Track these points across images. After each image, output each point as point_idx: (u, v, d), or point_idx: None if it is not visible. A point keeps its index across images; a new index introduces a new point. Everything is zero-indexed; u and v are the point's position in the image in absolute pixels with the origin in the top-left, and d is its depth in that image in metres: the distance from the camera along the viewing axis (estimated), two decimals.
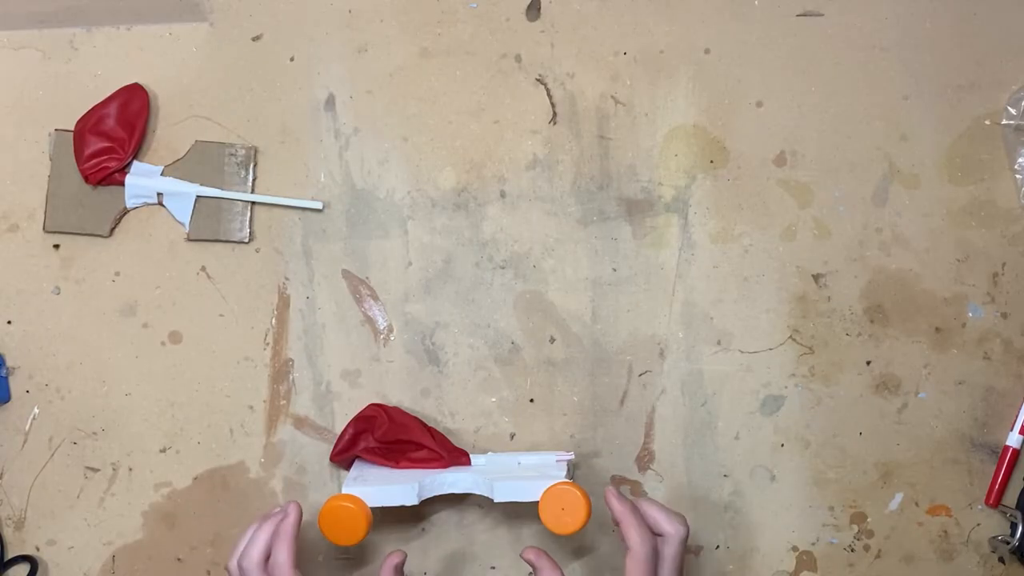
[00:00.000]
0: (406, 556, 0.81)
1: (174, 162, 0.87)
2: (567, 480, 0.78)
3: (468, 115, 0.88)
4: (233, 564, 0.77)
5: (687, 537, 0.77)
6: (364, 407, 0.86)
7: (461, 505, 0.87)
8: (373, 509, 0.79)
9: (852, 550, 0.86)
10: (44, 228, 0.88)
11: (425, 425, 0.85)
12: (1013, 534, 0.84)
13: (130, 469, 0.87)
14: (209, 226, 0.87)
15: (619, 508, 0.76)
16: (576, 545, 0.87)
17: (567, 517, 0.77)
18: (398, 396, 0.87)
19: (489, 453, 0.85)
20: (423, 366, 0.87)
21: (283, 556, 0.75)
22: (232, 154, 0.87)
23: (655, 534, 0.77)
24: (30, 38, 0.89)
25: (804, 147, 0.87)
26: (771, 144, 0.87)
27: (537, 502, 0.78)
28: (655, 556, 0.76)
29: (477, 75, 0.88)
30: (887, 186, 0.87)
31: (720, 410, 0.86)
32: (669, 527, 0.77)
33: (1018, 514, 0.84)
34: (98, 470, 0.87)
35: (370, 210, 0.87)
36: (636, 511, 0.77)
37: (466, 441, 0.87)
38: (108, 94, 0.87)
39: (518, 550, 0.86)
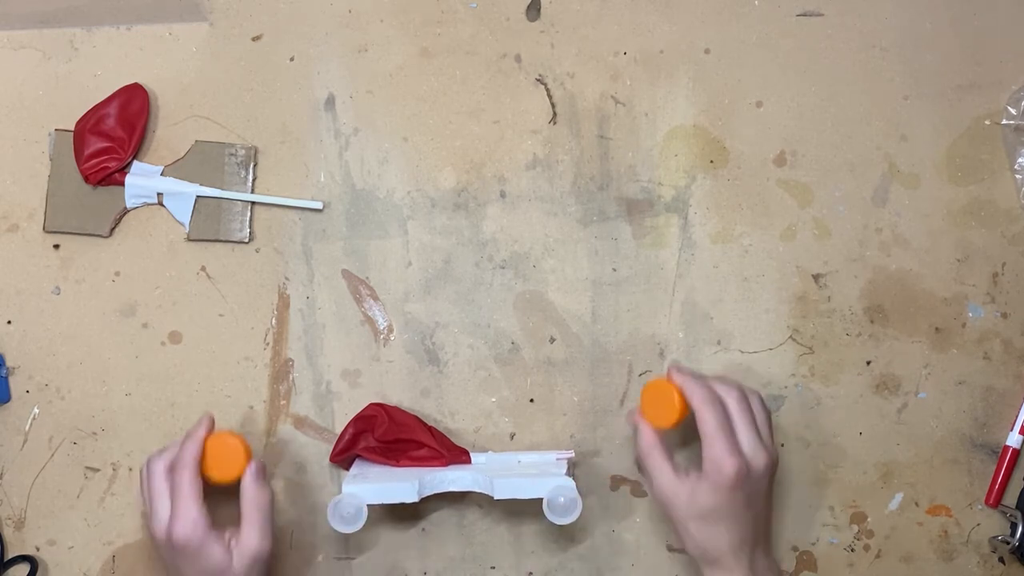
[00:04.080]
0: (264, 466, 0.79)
1: (174, 162, 0.87)
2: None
3: (468, 115, 0.88)
4: (143, 466, 0.79)
5: (744, 391, 0.77)
6: (364, 407, 0.86)
7: (461, 505, 0.87)
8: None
9: (852, 550, 0.86)
10: (44, 228, 0.88)
11: (425, 424, 0.85)
12: (1013, 534, 0.84)
13: (130, 469, 0.87)
14: (209, 226, 0.87)
15: (681, 378, 0.77)
16: (576, 544, 0.87)
17: (663, 410, 0.77)
18: (398, 396, 0.87)
19: (489, 452, 0.85)
20: (423, 366, 0.87)
21: (188, 454, 0.77)
22: (232, 154, 0.87)
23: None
24: (30, 38, 0.89)
25: (804, 147, 0.87)
26: (771, 144, 0.87)
27: (535, 499, 0.78)
28: (725, 414, 0.75)
29: (477, 75, 0.88)
30: (887, 186, 0.87)
31: None
32: (724, 388, 0.77)
33: (1018, 514, 0.84)
34: (98, 470, 0.87)
35: (370, 210, 0.88)
36: (700, 379, 0.77)
37: (466, 441, 0.87)
38: (108, 94, 0.87)
39: (518, 550, 0.87)
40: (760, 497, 0.76)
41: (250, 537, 0.76)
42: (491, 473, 0.80)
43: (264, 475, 0.79)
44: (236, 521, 0.77)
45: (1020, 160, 0.86)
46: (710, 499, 0.74)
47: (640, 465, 0.78)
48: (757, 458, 0.75)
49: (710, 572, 0.76)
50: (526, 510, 0.85)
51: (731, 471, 0.73)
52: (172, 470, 0.77)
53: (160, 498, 0.76)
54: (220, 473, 0.78)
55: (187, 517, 0.75)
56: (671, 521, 0.77)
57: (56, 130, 0.88)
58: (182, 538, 0.74)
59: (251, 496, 0.77)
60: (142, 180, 0.87)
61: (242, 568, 0.75)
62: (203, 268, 0.88)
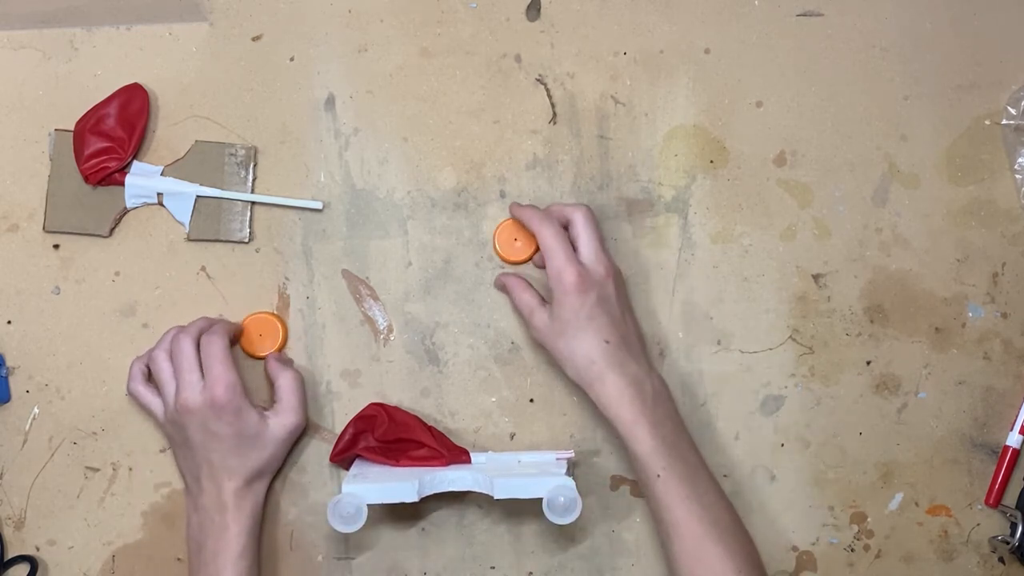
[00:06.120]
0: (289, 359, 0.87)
1: (174, 162, 0.87)
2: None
3: (468, 115, 0.88)
4: (159, 352, 0.83)
5: (589, 212, 0.82)
6: (364, 407, 0.85)
7: (461, 505, 0.87)
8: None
9: (852, 550, 0.86)
10: (44, 228, 0.88)
11: (425, 424, 0.85)
12: (1013, 534, 0.84)
13: (130, 469, 0.87)
14: (209, 226, 0.87)
15: (519, 211, 0.83)
16: (577, 544, 0.87)
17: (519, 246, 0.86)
18: (398, 396, 0.87)
19: (489, 452, 0.85)
20: (423, 366, 0.87)
21: (220, 325, 0.83)
22: (232, 154, 0.87)
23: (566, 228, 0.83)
24: (30, 38, 0.89)
25: (804, 147, 0.87)
26: (771, 144, 0.87)
27: (535, 499, 0.78)
28: (560, 233, 0.81)
29: (477, 75, 0.88)
30: (887, 186, 0.87)
31: (720, 410, 0.86)
32: (568, 210, 0.82)
33: (1018, 514, 0.84)
34: (98, 470, 0.87)
35: (370, 210, 0.88)
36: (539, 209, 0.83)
37: (466, 441, 0.87)
38: (108, 94, 0.87)
39: (518, 550, 0.87)
40: (611, 303, 0.80)
41: (287, 414, 0.83)
42: (491, 473, 0.80)
43: (286, 359, 0.87)
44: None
45: (1020, 160, 0.86)
46: (564, 311, 0.79)
47: (517, 311, 0.84)
48: (597, 265, 0.80)
49: (591, 390, 0.80)
50: (526, 510, 0.85)
51: (572, 278, 0.79)
52: (204, 340, 0.81)
53: (190, 369, 0.80)
54: (251, 347, 0.86)
55: (226, 380, 0.80)
56: (551, 354, 0.82)
57: (56, 130, 0.88)
58: (222, 400, 0.79)
59: (282, 379, 0.84)
60: (142, 180, 0.87)
61: (281, 436, 0.82)
62: (203, 268, 0.88)
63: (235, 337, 0.85)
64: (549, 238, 0.80)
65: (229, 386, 0.79)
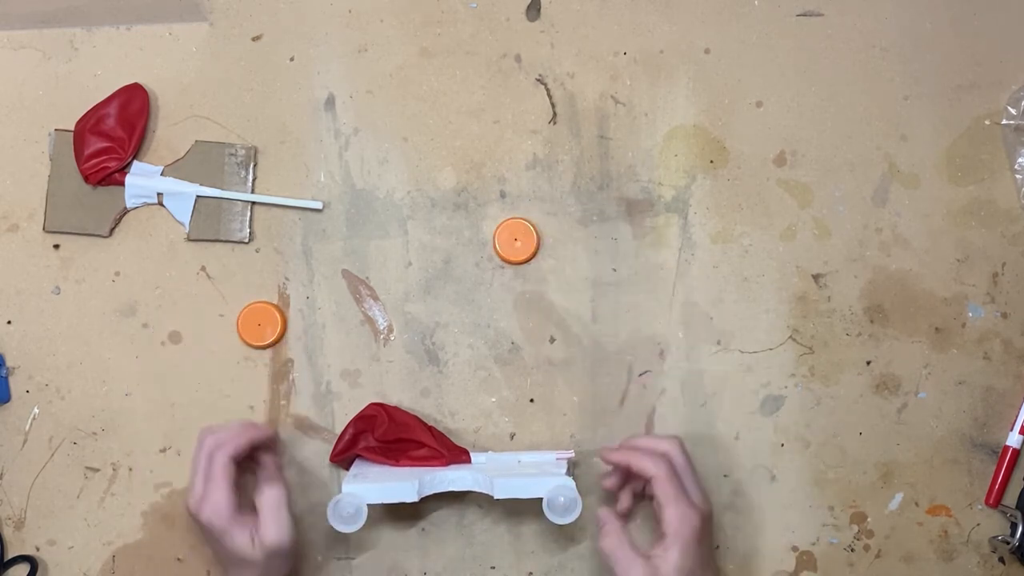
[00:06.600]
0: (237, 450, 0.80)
1: (174, 162, 0.87)
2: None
3: (468, 115, 0.88)
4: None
5: (683, 445, 0.80)
6: (364, 407, 0.85)
7: (461, 505, 0.87)
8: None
9: (852, 550, 0.86)
10: (44, 228, 0.88)
11: (425, 424, 0.85)
12: (1013, 534, 0.84)
13: (130, 469, 0.87)
14: (209, 226, 0.87)
15: (618, 456, 0.80)
16: (576, 544, 0.87)
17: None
18: (398, 396, 0.87)
19: (489, 452, 0.85)
20: (423, 366, 0.87)
21: (230, 440, 0.79)
22: (232, 154, 0.87)
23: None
24: (30, 38, 0.89)
25: (804, 147, 0.87)
26: (771, 144, 0.87)
27: (535, 499, 0.78)
28: (675, 471, 0.78)
29: (477, 75, 0.88)
30: (887, 186, 0.87)
31: (720, 410, 0.86)
32: (665, 445, 0.79)
33: (1018, 514, 0.84)
34: (98, 470, 0.87)
35: (370, 210, 0.88)
36: (633, 448, 0.80)
37: (466, 441, 0.87)
38: (108, 94, 0.87)
39: (518, 550, 0.87)
40: (712, 539, 0.82)
41: (267, 531, 0.78)
42: (491, 473, 0.81)
43: (279, 471, 0.82)
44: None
45: (1020, 160, 0.86)
46: (689, 558, 0.75)
47: (605, 559, 0.77)
48: (706, 502, 0.79)
49: None
50: (526, 510, 0.85)
51: (698, 523, 0.76)
52: (211, 449, 0.79)
53: (198, 474, 0.79)
54: (251, 337, 0.86)
55: (212, 500, 0.78)
56: None
57: (56, 130, 0.88)
58: (205, 520, 0.78)
59: (265, 494, 0.79)
60: (142, 180, 0.87)
61: (261, 557, 0.78)
62: (203, 268, 0.88)
63: (265, 443, 0.82)
64: (666, 483, 0.76)
65: (215, 509, 0.77)
